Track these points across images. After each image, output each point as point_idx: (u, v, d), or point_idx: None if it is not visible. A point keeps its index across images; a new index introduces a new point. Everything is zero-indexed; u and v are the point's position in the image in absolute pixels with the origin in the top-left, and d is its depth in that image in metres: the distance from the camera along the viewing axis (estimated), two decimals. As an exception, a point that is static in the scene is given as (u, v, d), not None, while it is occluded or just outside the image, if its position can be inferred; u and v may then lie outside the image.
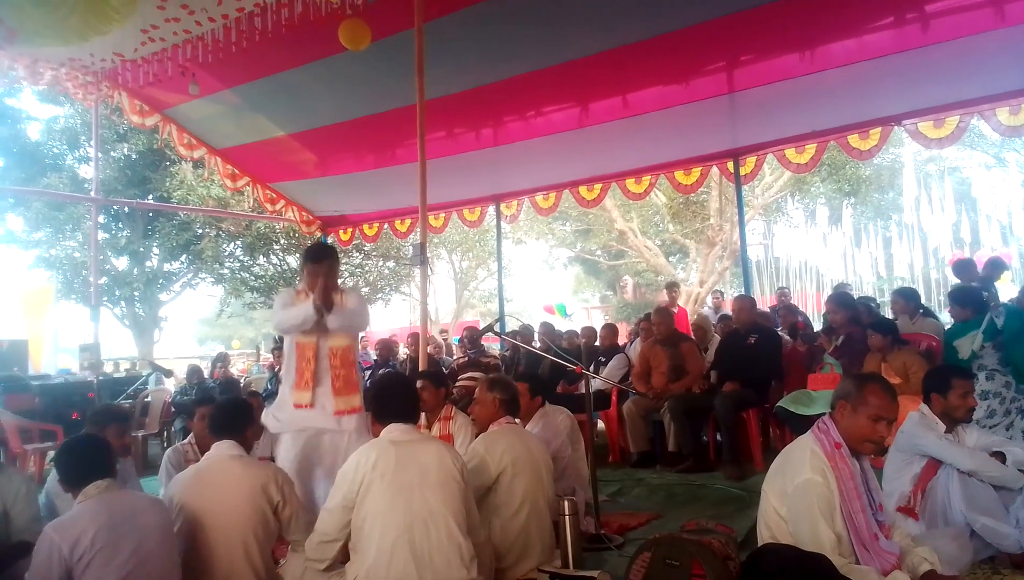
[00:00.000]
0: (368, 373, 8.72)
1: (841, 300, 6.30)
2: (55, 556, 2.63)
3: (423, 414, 4.72)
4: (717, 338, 7.66)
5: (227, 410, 3.49)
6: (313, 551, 3.01)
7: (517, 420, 4.21)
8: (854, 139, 7.17)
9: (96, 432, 3.82)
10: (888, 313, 8.82)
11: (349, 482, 2.92)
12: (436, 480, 2.94)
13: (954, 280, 8.85)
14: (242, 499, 3.12)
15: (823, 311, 8.38)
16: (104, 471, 2.92)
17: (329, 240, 11.44)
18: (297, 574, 3.14)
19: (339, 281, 4.38)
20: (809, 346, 6.37)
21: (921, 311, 6.94)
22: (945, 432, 3.64)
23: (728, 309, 9.87)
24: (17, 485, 3.57)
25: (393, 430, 3.09)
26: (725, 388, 6.19)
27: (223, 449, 3.27)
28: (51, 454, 7.12)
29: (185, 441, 4.82)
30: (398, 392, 3.27)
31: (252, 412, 3.58)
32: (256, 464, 3.35)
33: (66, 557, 2.63)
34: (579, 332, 8.94)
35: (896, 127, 6.96)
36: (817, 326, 9.49)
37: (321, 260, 4.18)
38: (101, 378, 8.97)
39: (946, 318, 8.46)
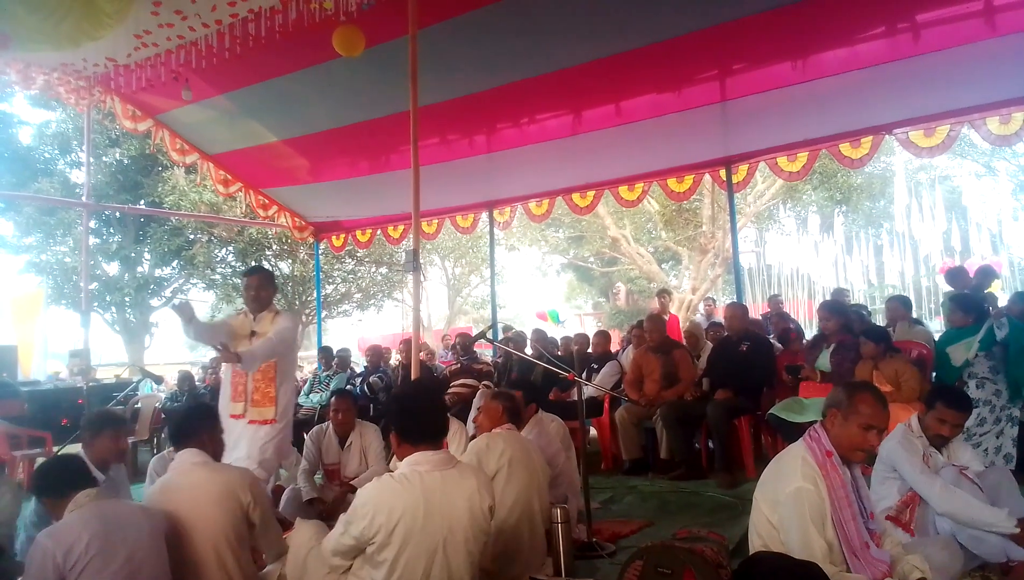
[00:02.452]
0: (360, 379, 8.71)
1: (834, 307, 6.33)
2: (49, 563, 2.62)
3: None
4: (709, 345, 7.67)
5: (181, 419, 3.45)
6: (328, 557, 2.91)
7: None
8: (845, 148, 7.20)
9: (91, 438, 3.82)
10: (879, 321, 8.86)
11: (367, 523, 2.66)
12: (462, 540, 2.73)
13: (945, 288, 8.89)
14: (210, 505, 3.09)
15: (813, 318, 8.41)
16: (87, 481, 2.92)
17: (322, 246, 11.43)
18: (301, 553, 3.11)
19: (272, 299, 4.98)
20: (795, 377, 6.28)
21: (911, 320, 6.99)
22: (931, 444, 3.64)
23: (720, 316, 9.89)
24: (3, 492, 3.67)
25: (422, 462, 2.77)
26: (717, 395, 6.20)
27: (186, 458, 3.24)
28: (40, 460, 7.07)
29: (170, 448, 4.81)
30: (426, 408, 2.93)
31: (209, 417, 3.52)
32: (222, 468, 3.32)
33: (60, 564, 2.62)
34: (572, 338, 8.95)
35: (887, 136, 7.00)
36: (809, 333, 9.51)
37: (250, 275, 4.89)
38: (91, 384, 8.91)
39: (935, 326, 8.50)
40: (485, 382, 7.35)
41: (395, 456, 3.03)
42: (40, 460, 6.99)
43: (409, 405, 2.95)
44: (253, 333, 4.72)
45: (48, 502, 2.91)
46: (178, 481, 3.17)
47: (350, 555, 2.82)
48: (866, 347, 5.50)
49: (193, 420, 3.40)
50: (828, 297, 9.70)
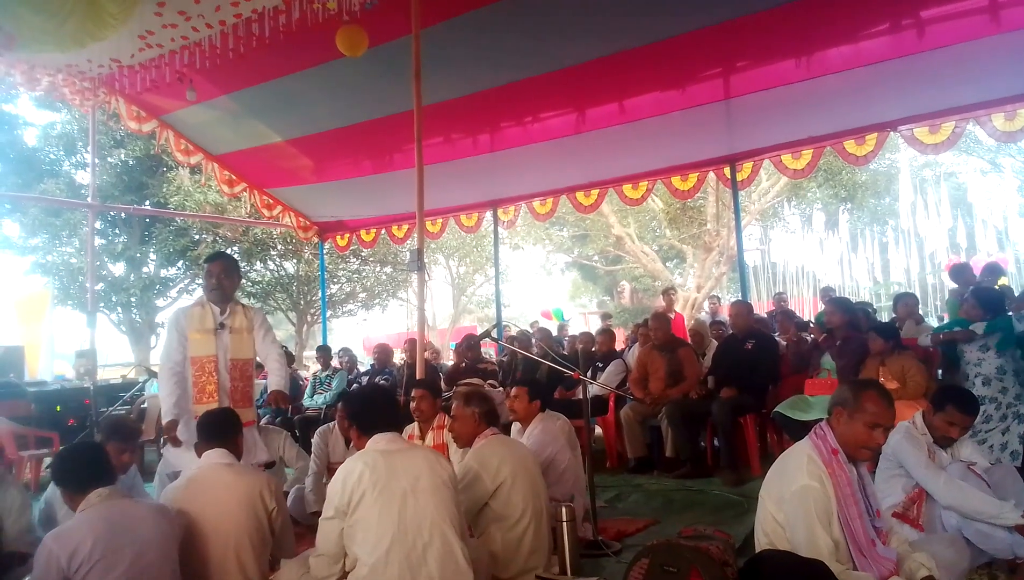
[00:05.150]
0: (366, 378, 8.71)
1: (839, 304, 6.32)
2: (53, 566, 2.61)
3: (418, 423, 4.73)
4: (714, 343, 7.66)
5: (216, 419, 3.47)
6: (316, 568, 2.96)
7: (516, 428, 4.21)
8: (850, 145, 7.19)
9: (103, 443, 3.81)
10: (884, 318, 8.84)
11: (339, 495, 2.86)
12: (427, 486, 2.90)
13: (951, 285, 8.86)
14: (235, 507, 3.10)
15: (817, 313, 8.39)
16: (105, 478, 2.90)
17: (326, 246, 11.44)
18: None
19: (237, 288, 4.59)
20: (802, 347, 6.34)
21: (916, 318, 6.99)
22: (934, 442, 3.64)
23: (725, 314, 9.87)
24: (13, 496, 3.62)
25: (379, 440, 3.04)
26: (723, 394, 6.19)
27: (214, 458, 3.27)
28: (47, 460, 7.10)
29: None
30: (380, 403, 3.24)
31: (239, 422, 3.57)
32: (248, 471, 3.34)
33: (63, 567, 2.61)
34: (577, 336, 8.94)
35: (892, 133, 6.98)
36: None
37: (212, 261, 4.43)
38: (97, 384, 8.94)
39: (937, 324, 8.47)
40: (490, 381, 7.35)
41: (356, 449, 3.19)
42: (47, 460, 7.05)
43: (364, 402, 3.28)
44: (222, 326, 4.30)
45: (66, 493, 2.91)
46: (204, 480, 3.18)
47: (339, 540, 2.88)
48: (875, 343, 5.48)
49: (228, 423, 3.45)
50: (820, 294, 9.76)
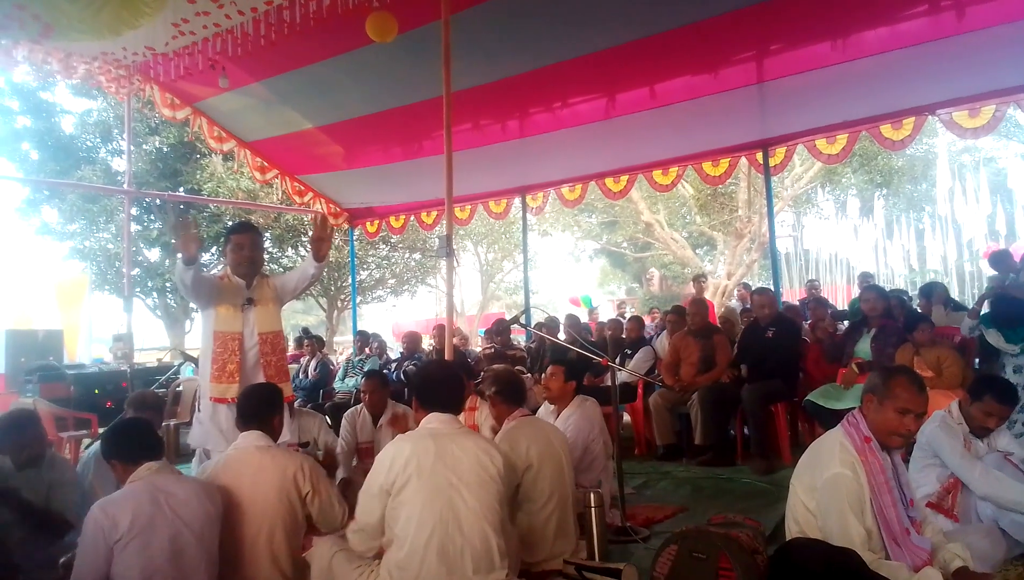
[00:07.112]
0: (395, 366, 8.78)
1: (881, 292, 6.25)
2: (100, 534, 2.68)
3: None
4: (745, 331, 7.60)
5: (254, 398, 3.43)
6: (356, 543, 2.98)
7: (552, 406, 4.34)
8: (887, 129, 7.05)
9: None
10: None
11: (384, 473, 2.83)
12: (474, 480, 2.85)
13: (989, 272, 8.69)
14: (269, 491, 3.11)
15: (852, 299, 8.29)
16: (154, 452, 2.96)
17: (356, 232, 11.51)
18: (325, 561, 3.17)
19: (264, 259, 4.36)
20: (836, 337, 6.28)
21: (951, 305, 6.87)
22: (970, 432, 3.58)
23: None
24: (62, 472, 3.79)
25: (433, 420, 3.00)
26: (750, 381, 6.14)
27: (250, 440, 3.27)
28: (86, 442, 7.27)
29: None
30: (446, 381, 3.18)
31: (280, 400, 3.57)
32: (283, 454, 3.33)
33: (107, 537, 2.68)
34: (605, 323, 8.91)
35: (930, 117, 6.83)
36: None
37: (242, 232, 4.16)
38: (134, 368, 9.12)
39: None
40: (518, 367, 7.37)
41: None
42: (86, 441, 7.22)
43: (430, 376, 3.26)
44: (250, 301, 4.06)
45: (116, 465, 2.94)
46: (240, 462, 3.19)
47: (380, 516, 2.85)
48: (923, 334, 5.39)
49: (266, 403, 3.42)
50: (857, 281, 9.63)
